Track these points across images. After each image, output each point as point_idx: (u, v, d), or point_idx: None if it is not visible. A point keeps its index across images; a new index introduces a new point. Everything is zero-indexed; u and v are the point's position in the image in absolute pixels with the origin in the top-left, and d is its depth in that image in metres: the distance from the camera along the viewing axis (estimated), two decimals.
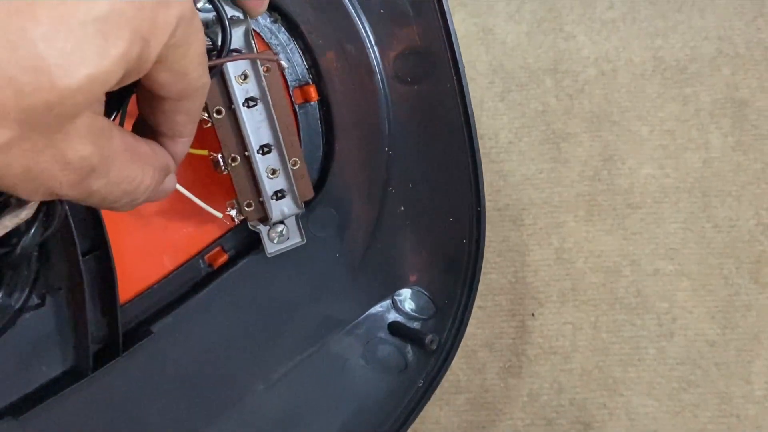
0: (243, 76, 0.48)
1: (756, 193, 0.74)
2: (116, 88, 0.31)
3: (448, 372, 0.71)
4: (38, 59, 0.27)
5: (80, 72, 0.28)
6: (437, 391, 0.70)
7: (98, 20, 0.28)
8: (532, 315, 0.72)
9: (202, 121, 0.48)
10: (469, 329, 0.72)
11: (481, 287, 0.73)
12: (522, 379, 0.71)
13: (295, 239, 0.54)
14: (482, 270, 0.73)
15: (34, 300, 0.49)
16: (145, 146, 0.35)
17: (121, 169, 0.33)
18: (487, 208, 0.74)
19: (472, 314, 0.72)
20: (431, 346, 0.58)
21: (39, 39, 0.27)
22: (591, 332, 0.72)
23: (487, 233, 0.74)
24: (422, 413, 0.69)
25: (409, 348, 0.59)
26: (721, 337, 0.71)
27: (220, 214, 0.51)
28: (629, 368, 0.71)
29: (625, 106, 0.76)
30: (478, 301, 0.72)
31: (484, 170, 0.75)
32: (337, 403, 0.57)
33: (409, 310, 0.60)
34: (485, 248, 0.73)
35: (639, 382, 0.70)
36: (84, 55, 0.28)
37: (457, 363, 0.71)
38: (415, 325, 0.60)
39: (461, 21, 0.78)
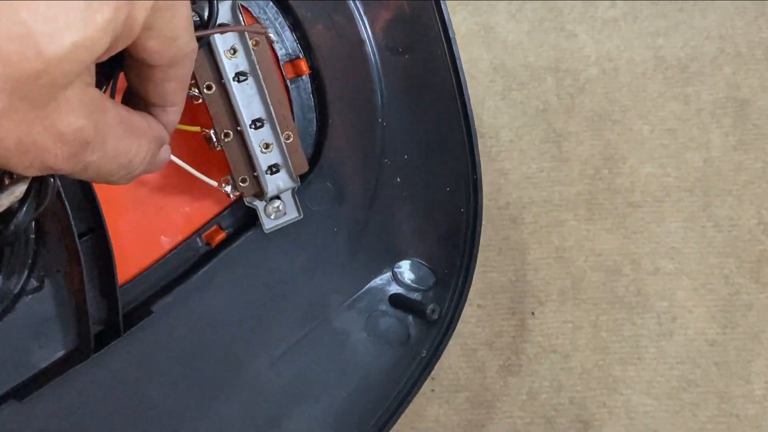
0: (232, 51, 0.47)
1: (757, 193, 0.74)
2: (106, 57, 0.31)
3: (448, 370, 0.71)
4: (23, 27, 0.27)
5: (66, 39, 0.28)
6: (437, 390, 0.70)
7: None
8: (532, 314, 0.72)
9: (193, 98, 0.48)
10: (469, 327, 0.72)
11: (481, 286, 0.73)
12: (522, 377, 0.71)
13: (292, 214, 0.54)
14: (482, 269, 0.73)
15: (33, 283, 0.49)
16: (139, 119, 0.35)
17: (117, 142, 0.33)
18: (487, 207, 0.74)
19: (472, 312, 0.72)
20: (432, 316, 0.58)
21: (23, 7, 0.27)
22: (591, 331, 0.72)
23: (488, 232, 0.74)
24: (422, 411, 0.70)
25: (410, 319, 0.60)
26: (721, 336, 0.71)
27: (215, 183, 0.51)
28: (629, 367, 0.71)
29: (626, 105, 0.76)
30: (477, 300, 0.72)
31: (484, 169, 0.75)
32: (342, 377, 0.57)
33: (409, 282, 0.60)
34: (486, 246, 0.74)
35: (639, 381, 0.70)
36: (69, 22, 0.28)
37: (457, 361, 0.71)
38: (416, 296, 0.60)
39: (462, 20, 0.78)
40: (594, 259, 0.73)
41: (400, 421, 0.69)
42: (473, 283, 0.73)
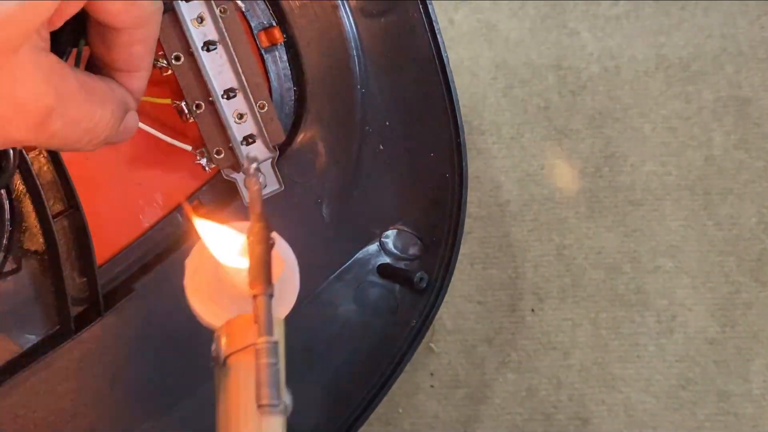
0: (199, 19, 0.46)
1: (758, 191, 0.74)
2: (60, 21, 0.30)
3: (448, 366, 0.71)
4: None
5: (7, 1, 0.27)
6: (436, 386, 0.70)
7: None
8: (532, 311, 0.72)
9: (161, 69, 0.47)
10: (469, 324, 0.72)
11: (481, 282, 0.73)
12: (521, 374, 0.71)
13: (273, 186, 0.52)
14: (482, 265, 0.73)
15: (11, 265, 0.48)
16: (100, 83, 0.34)
17: (80, 107, 0.32)
18: (488, 203, 0.74)
19: (472, 309, 0.72)
20: (421, 285, 0.57)
21: None
22: (590, 328, 0.72)
23: (488, 228, 0.74)
24: (421, 407, 0.70)
25: (399, 289, 0.59)
26: (721, 335, 0.71)
27: (189, 147, 0.50)
28: (628, 365, 0.71)
29: (628, 103, 0.76)
30: (477, 296, 0.73)
31: (485, 166, 0.75)
32: (331, 349, 0.56)
33: (396, 251, 0.59)
34: (486, 243, 0.74)
35: (638, 379, 0.71)
36: None
37: (456, 358, 0.71)
38: (405, 265, 0.59)
39: (465, 17, 0.78)
40: (594, 256, 0.73)
41: (398, 416, 0.69)
42: (473, 279, 0.73)
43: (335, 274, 0.58)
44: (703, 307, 0.72)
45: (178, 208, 0.53)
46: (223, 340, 0.39)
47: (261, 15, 0.53)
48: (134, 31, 0.34)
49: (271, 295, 0.36)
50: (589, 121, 0.76)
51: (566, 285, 0.73)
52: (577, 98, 0.77)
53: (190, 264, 0.42)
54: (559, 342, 0.72)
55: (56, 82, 0.31)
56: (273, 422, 0.35)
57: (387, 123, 0.57)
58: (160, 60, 0.47)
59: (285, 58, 0.54)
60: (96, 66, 0.36)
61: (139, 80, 0.37)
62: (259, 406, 0.34)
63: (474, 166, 0.75)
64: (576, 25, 0.78)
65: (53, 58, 0.31)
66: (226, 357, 0.38)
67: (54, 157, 0.48)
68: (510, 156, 0.76)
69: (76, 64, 0.36)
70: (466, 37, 0.78)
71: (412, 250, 0.59)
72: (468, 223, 0.59)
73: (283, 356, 0.36)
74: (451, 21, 0.78)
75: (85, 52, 0.37)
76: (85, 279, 0.50)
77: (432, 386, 0.70)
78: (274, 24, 0.53)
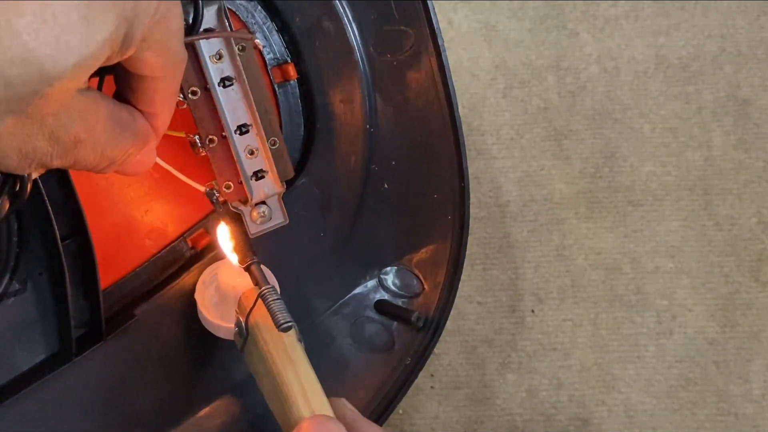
0: (217, 56, 0.47)
1: (757, 192, 0.74)
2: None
3: (448, 367, 0.71)
4: (25, 51, 0.27)
5: (68, 60, 0.28)
6: (436, 386, 0.70)
7: (81, 6, 0.28)
8: (532, 311, 0.72)
9: (177, 102, 0.47)
10: (469, 324, 0.72)
11: (481, 283, 0.73)
12: (521, 375, 0.71)
13: (278, 219, 0.53)
14: (482, 266, 0.73)
15: (15, 286, 0.48)
16: (125, 112, 0.35)
17: (105, 136, 0.34)
18: (488, 204, 0.74)
19: (472, 309, 0.72)
20: (417, 324, 0.57)
21: (24, 30, 0.27)
22: (590, 329, 0.72)
23: (488, 229, 0.74)
24: (421, 408, 0.70)
25: (396, 326, 0.59)
26: (721, 335, 0.71)
27: (203, 188, 0.50)
28: (628, 365, 0.71)
29: (627, 104, 0.77)
30: (477, 297, 0.73)
31: (485, 167, 0.75)
32: (325, 383, 0.57)
33: (395, 288, 0.60)
34: (486, 243, 0.74)
35: (638, 380, 0.71)
36: (70, 43, 0.28)
37: (457, 358, 0.71)
38: (402, 302, 0.59)
39: (464, 17, 0.78)
40: (594, 257, 0.73)
41: (399, 417, 0.69)
42: (473, 280, 0.73)
43: (333, 307, 0.58)
44: (703, 307, 0.72)
45: (183, 234, 0.54)
46: (239, 311, 0.50)
47: (276, 50, 0.54)
48: (158, 81, 0.35)
49: (258, 262, 0.48)
50: (588, 121, 0.76)
51: (566, 285, 0.73)
52: (576, 99, 0.77)
53: (201, 284, 0.53)
54: (559, 343, 0.72)
55: (90, 116, 0.32)
56: (292, 338, 0.48)
57: (393, 162, 0.57)
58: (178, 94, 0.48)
59: (297, 93, 0.55)
60: (120, 101, 0.37)
61: (160, 121, 0.38)
62: (278, 327, 0.46)
63: (474, 166, 0.75)
64: (575, 26, 0.78)
65: (90, 94, 0.32)
66: (246, 323, 0.49)
67: (64, 181, 0.48)
68: (510, 156, 0.76)
69: (99, 87, 0.37)
70: (465, 37, 0.78)
71: (411, 288, 0.59)
72: None
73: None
74: (450, 22, 0.78)
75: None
76: (88, 302, 0.50)
77: (432, 387, 0.70)
78: (289, 60, 0.54)
